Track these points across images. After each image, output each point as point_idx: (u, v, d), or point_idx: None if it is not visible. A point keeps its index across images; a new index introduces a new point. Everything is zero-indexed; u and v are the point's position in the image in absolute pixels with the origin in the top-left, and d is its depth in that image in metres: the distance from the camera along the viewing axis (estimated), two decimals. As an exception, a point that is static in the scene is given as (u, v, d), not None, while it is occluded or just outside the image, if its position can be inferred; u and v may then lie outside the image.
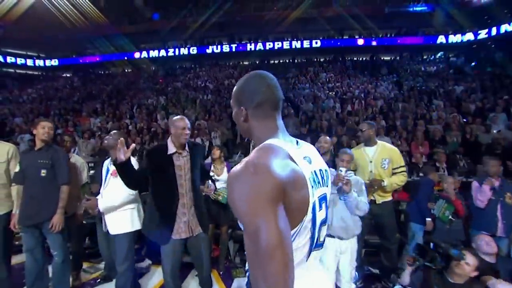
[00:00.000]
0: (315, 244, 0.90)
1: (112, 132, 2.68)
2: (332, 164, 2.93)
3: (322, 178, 0.94)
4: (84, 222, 3.83)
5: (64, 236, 2.77)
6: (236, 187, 0.73)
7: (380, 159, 2.93)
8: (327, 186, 0.96)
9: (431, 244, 2.67)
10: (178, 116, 2.29)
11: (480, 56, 16.40)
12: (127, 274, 2.63)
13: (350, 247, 2.47)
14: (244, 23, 21.27)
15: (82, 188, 3.25)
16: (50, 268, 2.84)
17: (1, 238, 2.80)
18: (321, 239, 0.94)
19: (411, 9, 19.82)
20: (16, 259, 3.25)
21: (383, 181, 2.87)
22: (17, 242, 3.36)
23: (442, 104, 9.27)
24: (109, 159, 2.70)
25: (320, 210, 0.89)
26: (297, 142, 0.97)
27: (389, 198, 3.02)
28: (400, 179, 2.91)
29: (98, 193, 2.81)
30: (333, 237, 2.43)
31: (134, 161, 2.62)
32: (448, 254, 1.99)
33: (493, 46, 16.81)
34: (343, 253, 2.45)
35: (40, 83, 19.89)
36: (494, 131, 6.80)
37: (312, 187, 0.83)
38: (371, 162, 2.96)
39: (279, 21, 20.05)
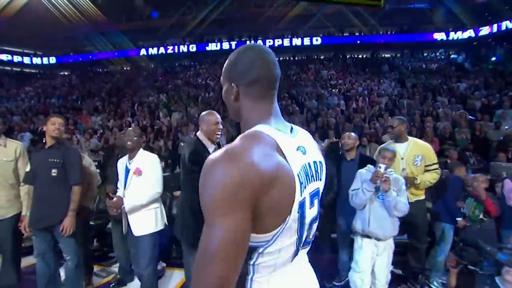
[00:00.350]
0: (303, 243, 0.81)
1: (129, 130, 2.53)
2: (360, 162, 2.80)
3: (316, 171, 0.83)
4: (91, 223, 3.69)
5: (77, 240, 2.62)
6: (209, 173, 0.64)
7: (412, 156, 2.79)
8: (320, 180, 0.86)
9: (460, 244, 2.55)
10: (208, 111, 2.15)
11: (481, 53, 16.35)
12: (154, 277, 2.52)
13: (387, 249, 2.34)
14: (244, 20, 21.16)
15: (98, 188, 3.10)
16: (61, 272, 2.68)
17: (10, 242, 2.66)
18: (311, 237, 0.85)
19: (412, 6, 19.76)
20: (24, 262, 3.07)
21: (416, 178, 2.75)
22: (23, 244, 3.20)
23: (447, 101, 9.20)
24: (126, 157, 2.54)
25: (311, 207, 0.79)
26: (291, 129, 0.84)
27: (422, 196, 2.89)
28: (433, 177, 2.78)
29: (114, 193, 2.66)
30: (369, 237, 2.31)
31: (158, 163, 2.50)
32: (496, 259, 1.84)
33: (493, 43, 16.79)
34: (379, 255, 2.33)
35: (37, 81, 19.65)
36: (505, 128, 6.72)
37: (301, 183, 0.72)
38: (402, 159, 2.81)
39: (279, 18, 19.94)
